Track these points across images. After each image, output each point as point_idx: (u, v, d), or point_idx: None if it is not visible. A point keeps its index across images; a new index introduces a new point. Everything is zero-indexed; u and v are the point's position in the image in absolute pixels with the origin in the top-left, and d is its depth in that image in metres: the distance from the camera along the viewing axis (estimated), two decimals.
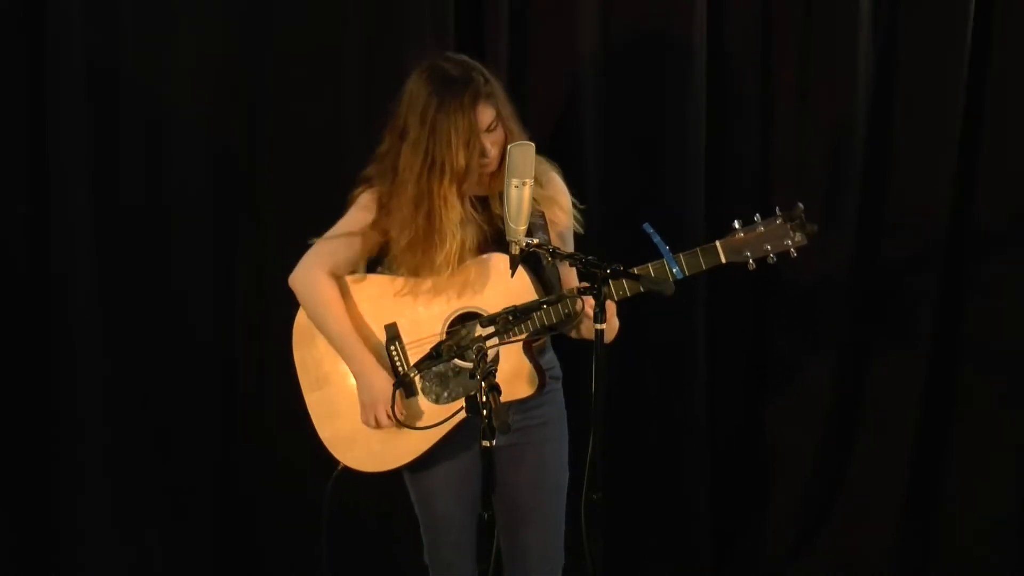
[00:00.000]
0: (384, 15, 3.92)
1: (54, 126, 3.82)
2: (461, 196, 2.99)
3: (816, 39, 4.05)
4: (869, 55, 4.05)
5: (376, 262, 3.13)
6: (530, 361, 3.00)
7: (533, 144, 2.71)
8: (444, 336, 3.02)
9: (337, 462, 3.09)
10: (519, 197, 2.69)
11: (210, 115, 3.93)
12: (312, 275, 3.07)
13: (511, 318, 2.74)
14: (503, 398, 2.93)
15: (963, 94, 4.04)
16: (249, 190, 4.00)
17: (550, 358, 3.14)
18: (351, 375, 3.08)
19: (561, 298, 2.90)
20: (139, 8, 3.86)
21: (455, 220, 2.97)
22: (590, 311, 2.76)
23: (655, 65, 4.01)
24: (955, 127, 4.05)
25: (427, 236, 2.97)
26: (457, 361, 2.92)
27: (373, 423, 3.00)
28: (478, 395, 2.59)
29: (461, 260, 2.98)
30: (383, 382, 3.01)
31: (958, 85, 4.02)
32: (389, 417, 2.99)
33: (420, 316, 3.03)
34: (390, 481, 3.13)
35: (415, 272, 3.01)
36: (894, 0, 4.05)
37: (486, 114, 2.96)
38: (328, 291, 3.05)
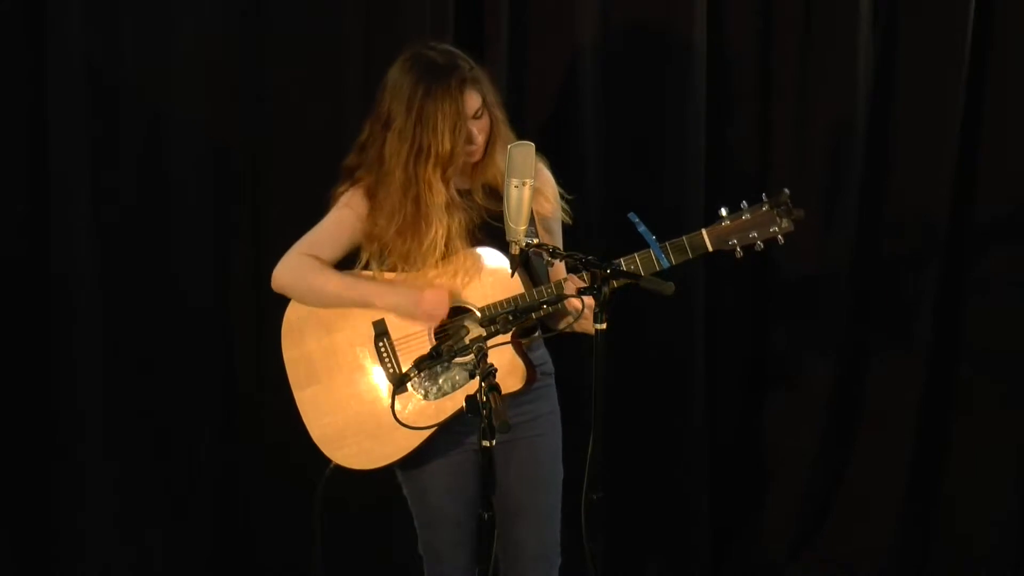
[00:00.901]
0: (384, 15, 3.92)
1: (55, 126, 3.82)
2: (446, 182, 2.99)
3: (816, 39, 4.05)
4: (869, 55, 4.05)
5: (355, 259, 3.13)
6: (519, 356, 2.99)
7: (533, 144, 2.71)
8: (432, 331, 3.02)
9: (329, 461, 3.09)
10: (519, 197, 2.69)
11: (210, 115, 3.93)
12: (291, 259, 3.06)
13: (511, 317, 2.74)
14: None
15: (963, 94, 4.04)
16: (249, 190, 4.00)
17: (542, 354, 3.13)
18: (340, 372, 3.07)
19: (561, 298, 2.90)
20: (138, 8, 3.86)
21: (440, 204, 2.97)
22: (580, 307, 2.77)
23: (655, 64, 4.02)
24: (955, 127, 4.05)
25: (415, 221, 2.97)
26: (458, 360, 2.91)
27: (442, 314, 2.96)
28: (478, 395, 2.59)
29: (450, 247, 2.98)
30: (416, 293, 2.98)
31: (958, 85, 4.03)
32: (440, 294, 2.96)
33: None
34: (384, 475, 3.13)
35: (406, 259, 3.00)
36: (894, 0, 4.05)
37: (473, 100, 2.96)
38: (310, 262, 3.04)
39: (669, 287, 2.71)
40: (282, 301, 3.19)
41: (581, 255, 2.76)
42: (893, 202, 4.13)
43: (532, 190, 2.69)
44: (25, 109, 3.83)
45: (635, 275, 2.79)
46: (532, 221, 3.05)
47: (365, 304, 3.03)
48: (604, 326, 2.69)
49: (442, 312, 2.99)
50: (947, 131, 4.06)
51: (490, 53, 3.85)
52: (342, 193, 3.09)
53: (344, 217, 3.07)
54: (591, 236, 3.75)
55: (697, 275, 4.02)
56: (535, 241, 2.78)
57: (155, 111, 3.90)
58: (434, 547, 3.13)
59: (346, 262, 3.12)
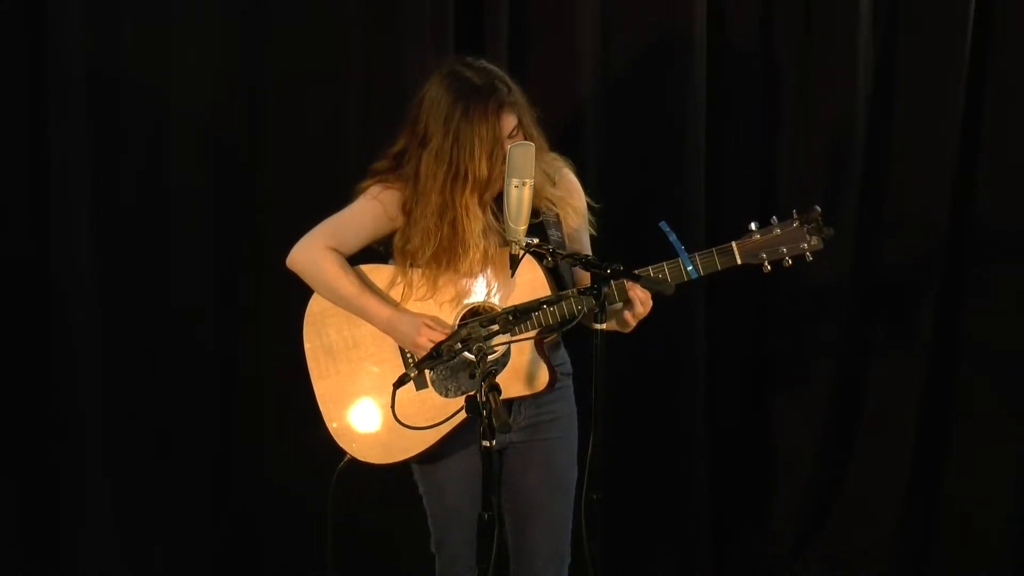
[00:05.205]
0: (384, 15, 3.92)
1: (54, 126, 3.83)
2: (483, 205, 2.99)
3: (816, 39, 4.06)
4: (869, 55, 4.05)
5: (372, 253, 3.14)
6: (542, 358, 3.01)
7: (533, 145, 2.72)
8: (457, 328, 3.02)
9: (344, 453, 3.08)
10: (519, 197, 2.69)
11: (210, 115, 3.94)
12: (312, 249, 3.06)
13: (511, 318, 2.75)
14: (516, 394, 2.95)
15: (963, 94, 4.04)
16: (249, 189, 4.00)
17: (561, 355, 3.15)
18: (361, 365, 3.08)
19: (561, 298, 2.91)
20: (138, 8, 3.87)
21: (477, 230, 2.97)
22: (639, 294, 2.83)
23: (655, 64, 4.01)
24: (955, 127, 4.05)
25: (451, 246, 2.98)
26: (467, 355, 2.91)
27: (428, 347, 2.92)
28: (478, 395, 2.59)
29: (483, 269, 2.99)
30: (412, 317, 3.01)
31: (958, 85, 4.03)
32: (434, 333, 2.95)
33: (433, 309, 3.05)
34: (393, 474, 3.13)
35: (436, 279, 3.02)
36: (894, 0, 4.06)
37: (509, 122, 2.96)
38: (331, 260, 3.05)
39: (670, 287, 2.76)
40: (284, 300, 3.19)
41: (581, 256, 2.79)
42: (893, 202, 4.14)
43: (532, 190, 2.70)
44: (25, 109, 3.83)
45: (634, 275, 2.80)
46: (557, 226, 3.06)
47: (366, 318, 3.05)
48: (604, 326, 2.70)
49: (423, 334, 2.99)
50: (947, 131, 4.06)
51: (490, 53, 3.85)
52: (370, 187, 3.08)
53: (372, 209, 3.06)
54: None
55: (698, 279, 4.02)
56: (535, 241, 2.79)
57: (155, 111, 3.91)
58: (447, 545, 3.14)
59: (362, 256, 3.13)
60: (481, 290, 3.02)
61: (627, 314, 2.93)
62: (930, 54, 4.04)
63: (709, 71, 4.03)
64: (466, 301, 3.03)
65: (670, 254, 2.91)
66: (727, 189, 4.10)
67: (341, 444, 3.09)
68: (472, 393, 2.67)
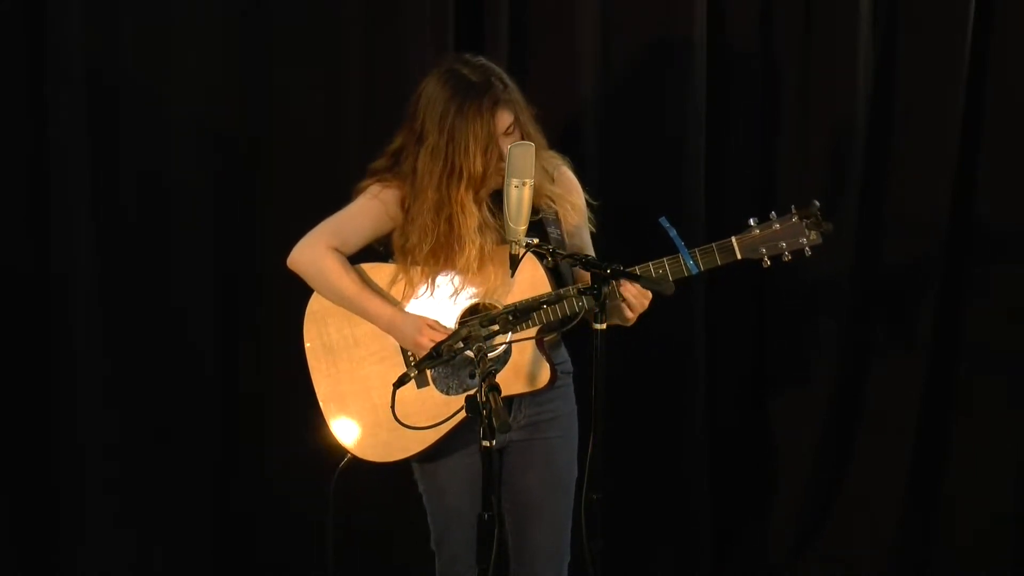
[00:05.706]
0: (384, 15, 3.92)
1: (54, 126, 3.83)
2: (478, 202, 3.00)
3: (816, 39, 4.06)
4: (869, 55, 4.05)
5: (372, 252, 3.14)
6: (543, 355, 3.02)
7: (533, 145, 2.72)
8: (457, 327, 3.02)
9: (345, 452, 3.09)
10: (519, 197, 2.70)
11: (210, 115, 3.93)
12: (313, 249, 3.07)
13: (511, 317, 2.75)
14: (517, 391, 2.95)
15: (963, 94, 4.04)
16: (249, 190, 4.00)
17: (562, 353, 3.16)
18: (362, 363, 3.09)
19: (561, 297, 2.91)
20: (138, 8, 3.87)
21: (473, 227, 2.98)
22: (630, 290, 2.83)
23: (655, 64, 4.02)
24: (955, 127, 4.05)
25: (448, 242, 2.99)
26: (469, 353, 2.92)
27: (429, 347, 2.92)
28: (478, 395, 2.59)
29: (481, 265, 3.00)
30: (414, 317, 3.02)
31: (958, 85, 4.03)
32: (435, 333, 2.97)
33: (434, 307, 3.06)
34: (393, 473, 3.14)
35: (436, 277, 3.03)
36: (894, 0, 4.06)
37: (504, 119, 2.97)
38: (333, 260, 3.06)
39: (670, 286, 2.76)
40: (283, 300, 3.19)
41: (581, 255, 2.79)
42: (893, 202, 4.14)
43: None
44: (25, 109, 3.83)
45: (634, 275, 2.80)
46: (556, 224, 3.06)
47: (368, 318, 3.07)
48: (604, 326, 2.70)
49: (424, 334, 3.00)
50: (947, 131, 4.06)
51: (490, 53, 3.85)
52: (369, 186, 3.09)
53: (372, 208, 3.07)
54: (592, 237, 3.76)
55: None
56: (535, 241, 2.79)
57: (155, 111, 3.91)
58: (447, 544, 3.15)
59: (362, 256, 3.13)
60: (482, 288, 3.03)
61: (624, 311, 2.93)
62: (930, 54, 4.04)
63: (709, 71, 4.03)
64: (467, 299, 3.04)
65: (670, 251, 2.92)
66: (727, 189, 4.10)
67: (341, 442, 3.10)
68: (472, 392, 2.67)
